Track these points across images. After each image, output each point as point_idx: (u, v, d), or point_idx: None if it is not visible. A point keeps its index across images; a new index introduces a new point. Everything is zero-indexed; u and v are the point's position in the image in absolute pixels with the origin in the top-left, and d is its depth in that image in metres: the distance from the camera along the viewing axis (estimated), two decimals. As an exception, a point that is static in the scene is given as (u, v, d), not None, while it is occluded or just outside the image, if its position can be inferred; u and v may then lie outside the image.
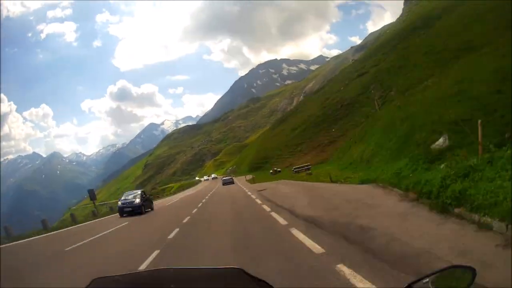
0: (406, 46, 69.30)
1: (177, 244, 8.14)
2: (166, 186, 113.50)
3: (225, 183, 46.64)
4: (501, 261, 3.65)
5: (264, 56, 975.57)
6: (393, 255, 4.48)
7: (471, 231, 4.81)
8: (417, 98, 23.03)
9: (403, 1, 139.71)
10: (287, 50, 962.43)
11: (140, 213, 19.02)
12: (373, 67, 78.56)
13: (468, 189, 5.60)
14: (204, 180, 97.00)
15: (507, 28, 26.40)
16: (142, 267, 5.97)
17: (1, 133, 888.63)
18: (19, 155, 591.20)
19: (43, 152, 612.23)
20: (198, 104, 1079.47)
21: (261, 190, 21.74)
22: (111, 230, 13.51)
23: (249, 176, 49.54)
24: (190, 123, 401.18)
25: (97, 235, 12.17)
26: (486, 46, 25.35)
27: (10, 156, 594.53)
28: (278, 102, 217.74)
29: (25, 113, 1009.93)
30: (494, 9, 37.41)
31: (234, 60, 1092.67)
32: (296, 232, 6.86)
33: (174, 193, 61.79)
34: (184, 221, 12.45)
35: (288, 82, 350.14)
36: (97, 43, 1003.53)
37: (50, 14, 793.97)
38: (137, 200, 19.68)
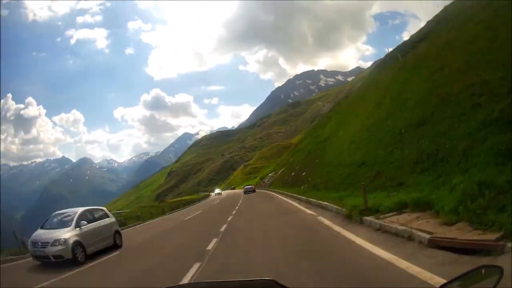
0: None
1: None
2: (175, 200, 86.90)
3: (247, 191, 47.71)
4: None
5: (301, 68, 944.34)
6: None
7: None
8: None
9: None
10: (324, 62, 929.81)
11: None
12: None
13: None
14: (215, 194, 72.72)
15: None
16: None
17: (29, 136, 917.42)
18: (48, 159, 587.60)
19: (73, 157, 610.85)
20: (234, 115, 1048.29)
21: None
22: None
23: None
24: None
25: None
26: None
27: (38, 160, 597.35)
28: (321, 106, 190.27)
29: (55, 118, 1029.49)
30: None
31: (270, 71, 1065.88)
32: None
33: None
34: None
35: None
36: (129, 51, 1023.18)
37: (80, 20, 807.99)
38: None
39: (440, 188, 7.48)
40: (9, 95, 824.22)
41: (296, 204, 18.26)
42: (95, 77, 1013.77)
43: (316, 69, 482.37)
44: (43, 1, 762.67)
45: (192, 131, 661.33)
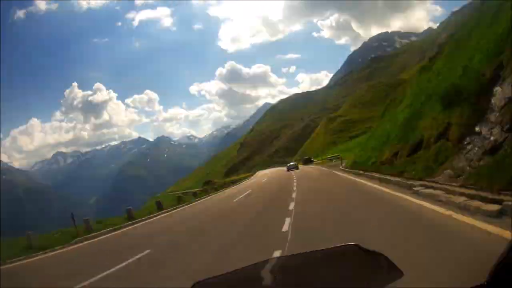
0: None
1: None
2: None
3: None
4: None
5: (374, 31, 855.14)
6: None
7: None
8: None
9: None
10: (396, 24, 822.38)
11: None
12: None
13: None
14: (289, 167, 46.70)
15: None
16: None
17: (100, 121, 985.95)
18: (123, 141, 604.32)
19: (151, 137, 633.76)
20: (313, 83, 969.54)
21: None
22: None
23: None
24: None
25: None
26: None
27: (113, 143, 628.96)
28: (408, 59, 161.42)
29: (128, 100, 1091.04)
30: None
31: (344, 36, 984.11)
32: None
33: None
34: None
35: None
36: (198, 26, 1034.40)
37: (138, 2, 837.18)
38: None
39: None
40: (75, 83, 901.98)
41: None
42: (165, 56, 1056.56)
43: (390, 31, 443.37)
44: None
45: (273, 101, 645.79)
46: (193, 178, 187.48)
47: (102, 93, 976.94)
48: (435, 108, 10.93)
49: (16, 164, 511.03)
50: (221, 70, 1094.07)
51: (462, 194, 6.16)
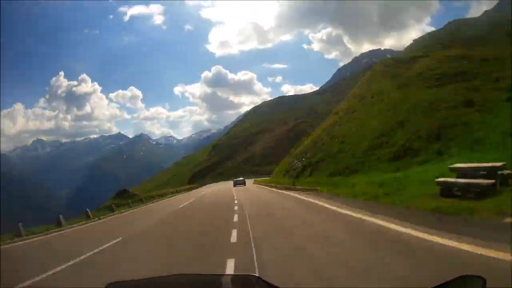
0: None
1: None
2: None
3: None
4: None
5: (366, 47, 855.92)
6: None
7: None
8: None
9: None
10: (389, 42, 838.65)
11: None
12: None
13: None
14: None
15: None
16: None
17: (82, 112, 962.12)
18: (102, 135, 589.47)
19: (131, 134, 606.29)
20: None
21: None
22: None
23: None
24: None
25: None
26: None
27: (93, 136, 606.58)
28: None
29: (112, 95, 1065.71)
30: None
31: (334, 50, 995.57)
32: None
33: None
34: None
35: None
36: (189, 27, 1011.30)
37: None
38: None
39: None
40: (61, 72, 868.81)
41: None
42: (154, 54, 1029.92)
43: (382, 48, 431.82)
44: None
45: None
46: (158, 179, 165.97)
47: (87, 85, 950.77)
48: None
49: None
50: (207, 74, 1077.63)
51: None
